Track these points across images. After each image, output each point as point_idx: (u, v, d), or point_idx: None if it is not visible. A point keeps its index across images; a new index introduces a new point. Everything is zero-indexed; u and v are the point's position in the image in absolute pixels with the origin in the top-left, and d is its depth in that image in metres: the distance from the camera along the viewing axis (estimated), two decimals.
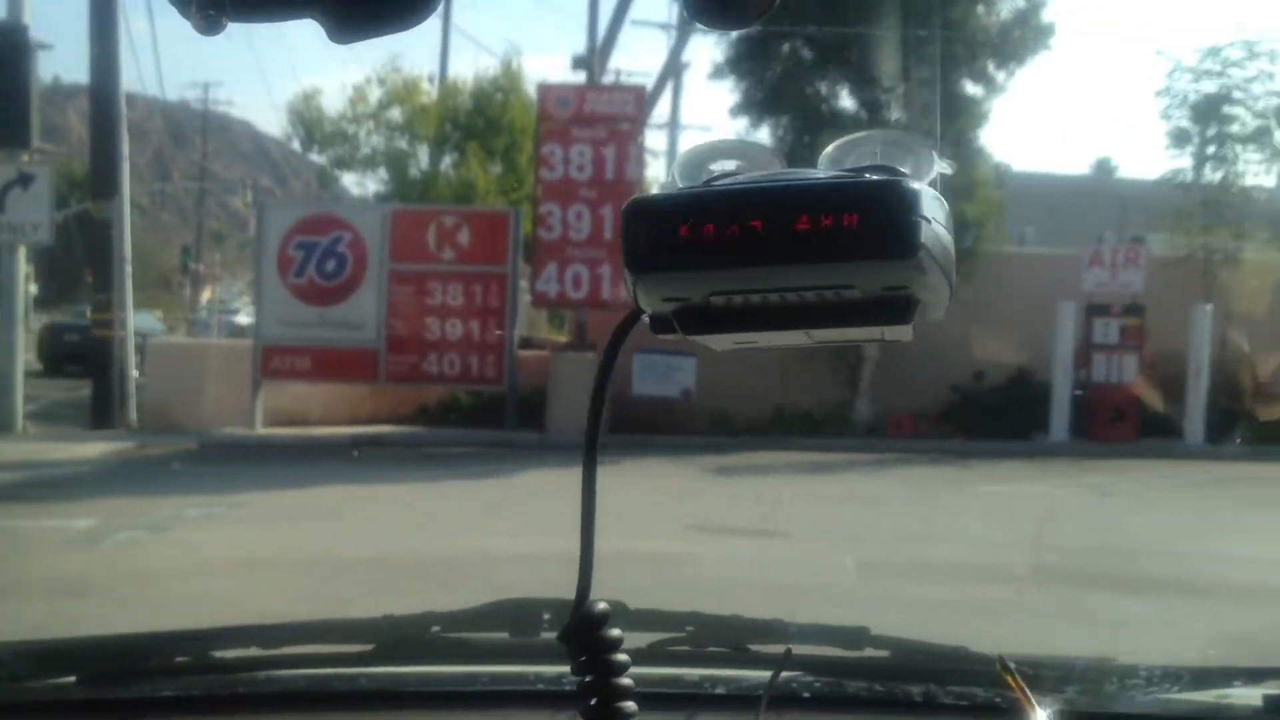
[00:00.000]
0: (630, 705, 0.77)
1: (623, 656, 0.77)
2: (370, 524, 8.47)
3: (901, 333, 0.67)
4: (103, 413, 14.16)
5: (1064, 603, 6.06)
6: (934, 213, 0.62)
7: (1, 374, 13.77)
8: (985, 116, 15.15)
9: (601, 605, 0.76)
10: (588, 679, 0.76)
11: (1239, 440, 13.37)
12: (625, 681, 0.77)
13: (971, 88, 14.94)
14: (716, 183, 0.66)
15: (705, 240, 0.61)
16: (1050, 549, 7.58)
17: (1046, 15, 14.88)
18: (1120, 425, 13.77)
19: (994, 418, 13.83)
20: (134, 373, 14.55)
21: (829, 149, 0.69)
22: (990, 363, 14.64)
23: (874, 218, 0.60)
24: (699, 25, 0.56)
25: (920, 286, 0.63)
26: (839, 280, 0.62)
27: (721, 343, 0.69)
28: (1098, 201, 30.45)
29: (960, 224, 14.54)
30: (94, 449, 12.54)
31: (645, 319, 0.68)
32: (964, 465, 12.40)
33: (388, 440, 13.36)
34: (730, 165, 0.69)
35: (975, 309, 14.68)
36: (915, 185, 0.61)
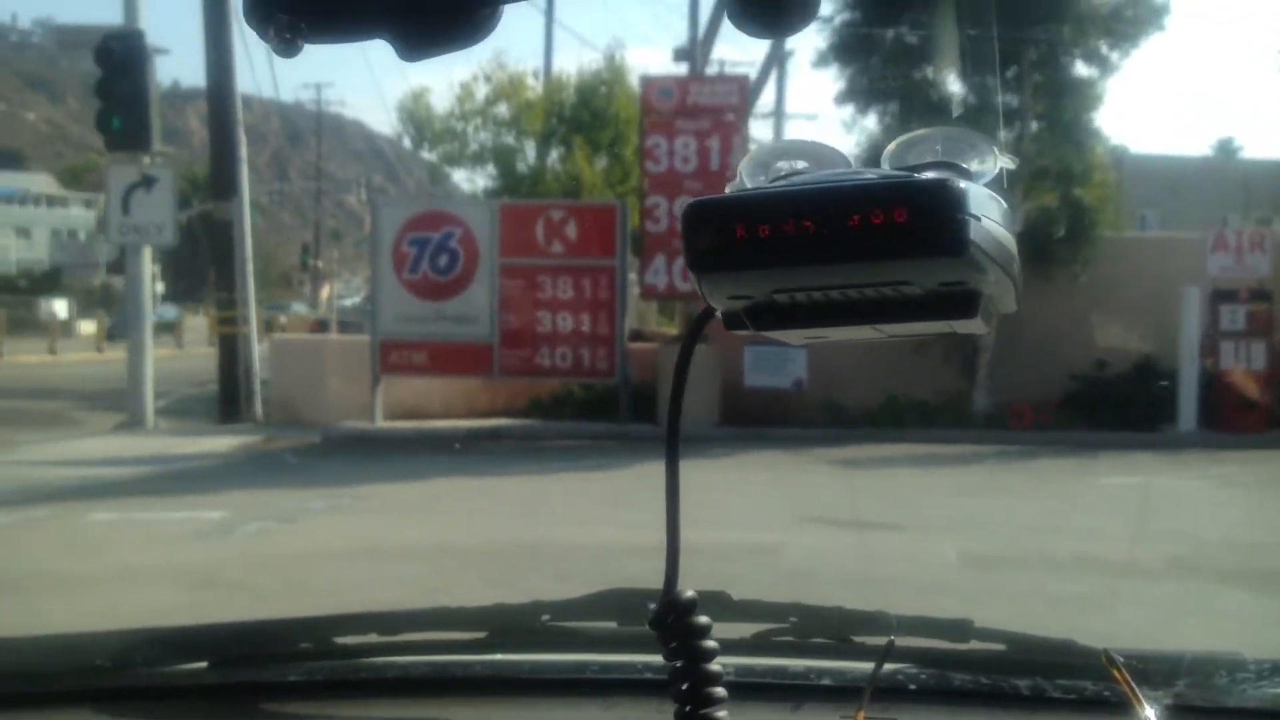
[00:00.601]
0: (720, 690, 0.79)
1: (711, 643, 0.79)
2: (486, 515, 8.62)
3: (973, 326, 0.67)
4: (230, 408, 14.63)
5: (1194, 597, 5.91)
6: (985, 210, 0.63)
7: (132, 371, 14.29)
8: (1099, 98, 14.74)
9: (689, 593, 0.78)
10: (678, 664, 0.79)
11: None
12: (714, 667, 0.79)
13: (1084, 69, 14.57)
14: (775, 183, 0.68)
15: (761, 240, 0.63)
16: (1179, 541, 7.37)
17: None
18: (1250, 414, 13.32)
19: (1118, 407, 13.46)
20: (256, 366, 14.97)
21: (891, 146, 0.70)
22: (1113, 350, 14.27)
23: (923, 216, 0.61)
24: (743, 33, 0.58)
25: (979, 282, 0.64)
26: (895, 277, 0.64)
27: (793, 337, 0.71)
28: (1221, 183, 29.50)
29: (1075, 208, 14.24)
30: (222, 443, 12.95)
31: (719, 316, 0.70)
32: (1087, 456, 12.10)
33: (503, 433, 13.54)
34: (798, 164, 0.71)
35: (1095, 295, 14.36)
36: (963, 183, 0.62)
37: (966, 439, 12.87)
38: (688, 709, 0.79)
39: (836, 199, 0.63)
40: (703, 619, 0.79)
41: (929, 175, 0.64)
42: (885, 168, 0.69)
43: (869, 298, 0.66)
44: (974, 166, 0.69)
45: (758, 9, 0.56)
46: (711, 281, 0.66)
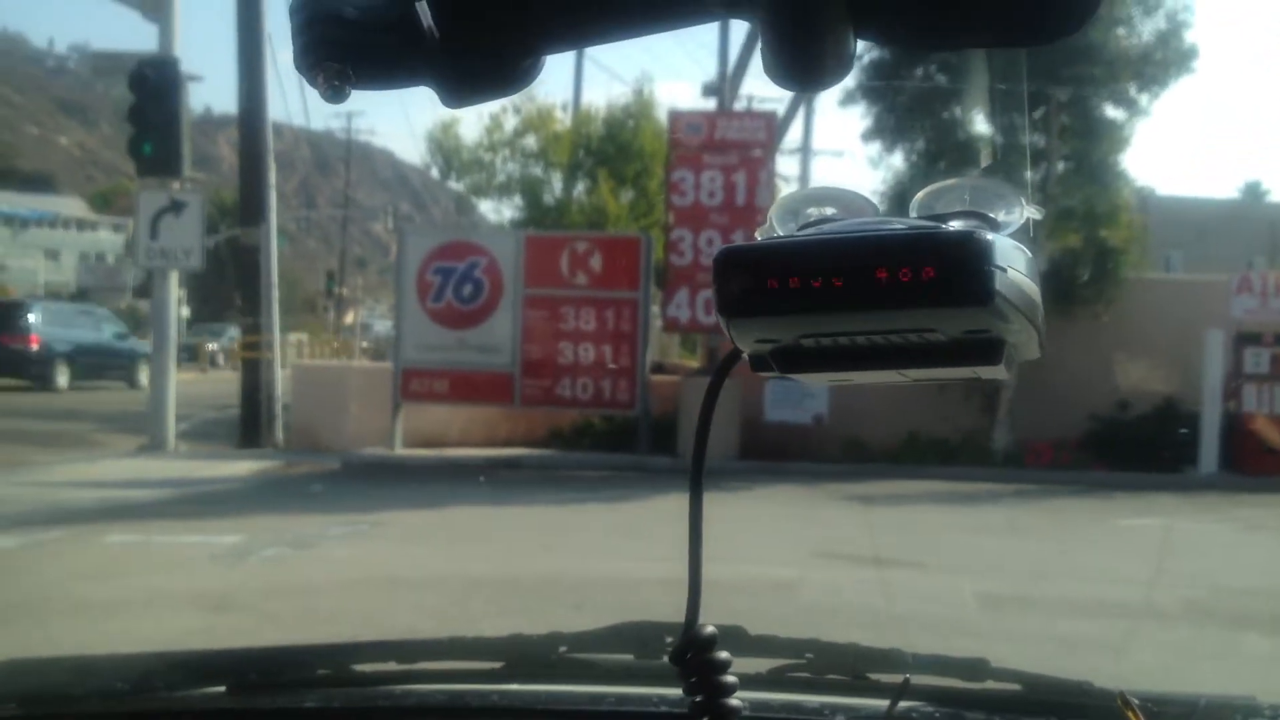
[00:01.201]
0: None
1: (731, 678, 0.80)
2: (503, 545, 8.62)
3: (996, 372, 0.69)
4: (251, 432, 14.68)
5: (1210, 642, 5.86)
6: (1011, 261, 0.64)
7: (155, 394, 14.38)
8: (1127, 140, 14.75)
9: (709, 629, 0.79)
10: (698, 699, 0.80)
11: None
12: (734, 702, 0.80)
13: (1112, 111, 14.58)
14: (804, 230, 0.70)
15: (791, 289, 0.65)
16: (1196, 584, 7.31)
17: (1190, 37, 14.46)
18: (1272, 458, 13.21)
19: (1139, 449, 13.38)
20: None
21: (919, 195, 0.72)
22: (1135, 391, 14.20)
23: (949, 268, 0.62)
24: (777, 85, 0.59)
25: (1003, 330, 0.65)
26: (920, 325, 0.65)
27: (818, 380, 0.72)
28: (1247, 226, 29.40)
29: (1100, 249, 14.22)
30: (242, 467, 13.00)
31: (746, 357, 0.72)
32: (1106, 497, 12.03)
33: (522, 463, 13.56)
34: (828, 211, 0.73)
35: (1119, 337, 14.31)
36: (989, 235, 0.64)
37: (986, 477, 12.82)
38: None
39: (865, 249, 0.65)
40: (723, 654, 0.80)
41: (956, 226, 0.66)
42: (913, 216, 0.70)
43: (894, 344, 0.67)
44: (1000, 216, 0.70)
45: (791, 64, 0.57)
46: (740, 326, 0.68)
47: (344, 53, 0.58)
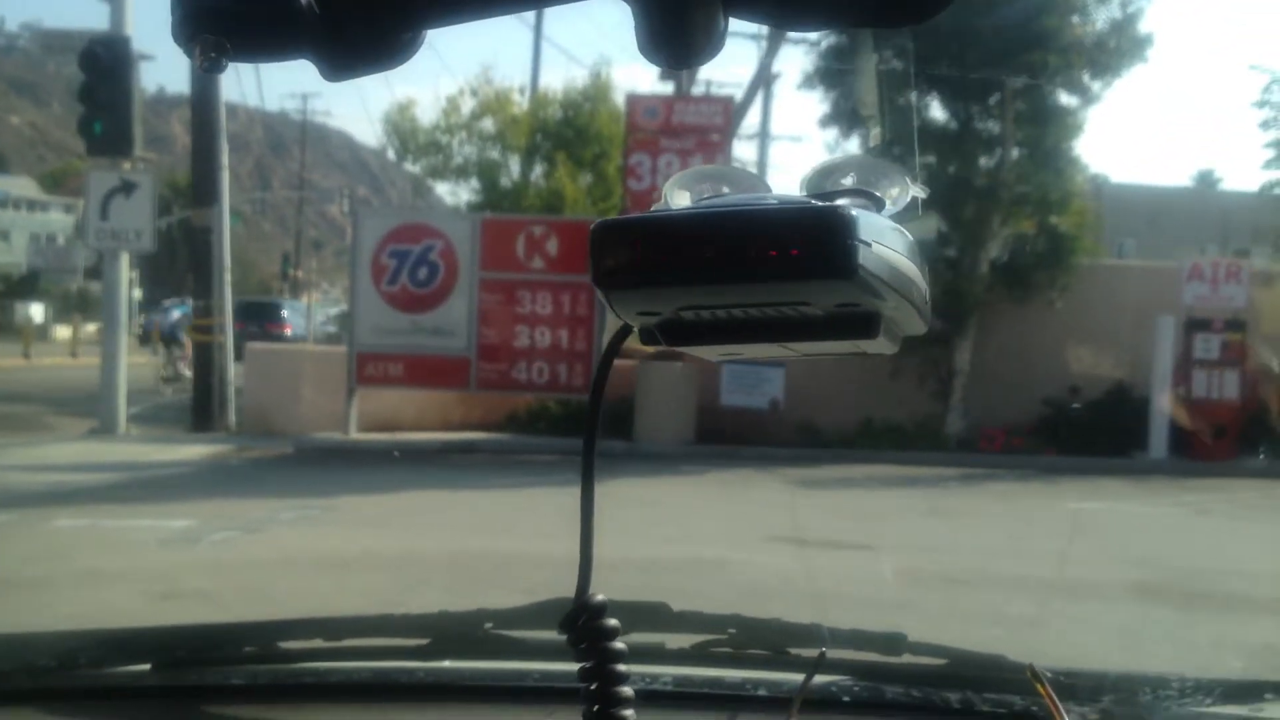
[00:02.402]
0: (626, 690, 0.81)
1: (619, 644, 0.81)
2: (454, 528, 8.61)
3: (879, 345, 0.70)
4: (203, 416, 14.56)
5: (1158, 623, 5.95)
6: (880, 236, 0.66)
7: (105, 377, 14.22)
8: (1080, 127, 14.87)
9: (599, 596, 0.80)
10: (587, 665, 0.81)
11: None
12: (620, 668, 0.81)
13: (1066, 98, 14.70)
14: (689, 207, 0.71)
15: (663, 261, 0.66)
16: (1142, 566, 7.42)
17: (1144, 26, 14.59)
18: (1221, 443, 13.42)
19: (1090, 433, 13.55)
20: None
21: (808, 172, 0.73)
22: (1086, 377, 14.37)
23: (811, 242, 0.64)
24: (651, 64, 0.60)
25: (875, 304, 0.67)
26: (792, 298, 0.66)
27: (708, 353, 0.74)
28: (1200, 214, 29.78)
29: (1053, 236, 14.35)
30: (194, 451, 12.89)
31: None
32: (1056, 481, 12.18)
33: (477, 446, 13.53)
34: (725, 189, 0.74)
35: (1071, 322, 14.48)
36: (854, 211, 0.65)
37: (939, 462, 12.93)
38: (595, 708, 0.81)
39: (733, 222, 0.66)
40: (612, 622, 0.81)
41: (820, 204, 0.67)
42: (801, 193, 0.71)
43: (772, 317, 0.68)
44: (888, 194, 0.71)
45: (662, 41, 0.58)
46: (619, 299, 0.69)
47: (221, 24, 0.58)
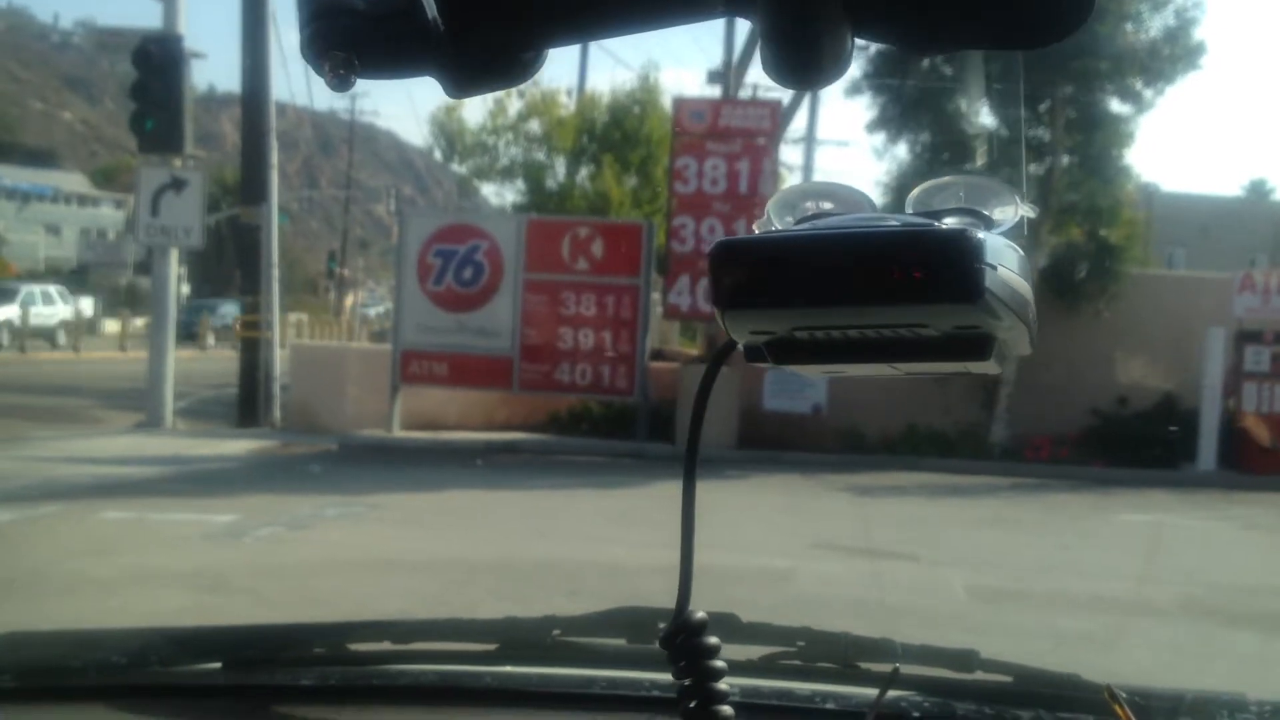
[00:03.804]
0: (726, 709, 0.81)
1: (720, 663, 0.81)
2: (500, 529, 8.64)
3: (986, 367, 0.70)
4: (248, 411, 14.70)
5: (1203, 639, 5.88)
6: (1002, 259, 0.65)
7: (153, 371, 14.39)
8: (1132, 135, 14.71)
9: (700, 614, 0.80)
10: (686, 683, 0.80)
11: None
12: (722, 687, 0.81)
13: (1117, 106, 14.55)
14: (801, 225, 0.71)
15: (784, 281, 0.66)
16: (1191, 581, 7.33)
17: (1198, 34, 14.40)
18: (1270, 456, 13.22)
19: (1137, 445, 13.38)
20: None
21: (915, 191, 0.73)
22: (1135, 387, 14.22)
23: (940, 265, 0.64)
24: (777, 84, 0.60)
25: (993, 327, 0.67)
26: (911, 320, 0.66)
27: (812, 371, 0.73)
28: (1251, 224, 29.39)
29: (1102, 245, 14.21)
30: (239, 446, 13.02)
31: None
32: (1104, 492, 12.04)
33: (520, 447, 13.57)
34: (825, 205, 0.74)
35: (1119, 332, 14.32)
36: (981, 233, 0.64)
37: (983, 471, 12.84)
38: None
39: (858, 244, 0.66)
40: (712, 639, 0.81)
41: (948, 224, 0.66)
42: (908, 212, 0.71)
43: (886, 338, 0.68)
44: (995, 214, 0.71)
45: (789, 62, 0.58)
46: (735, 318, 0.69)
47: (350, 42, 0.59)
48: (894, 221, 0.68)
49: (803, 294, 0.66)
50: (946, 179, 0.73)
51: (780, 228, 0.72)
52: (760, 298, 0.67)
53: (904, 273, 0.64)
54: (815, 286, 0.66)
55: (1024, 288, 0.68)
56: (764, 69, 0.59)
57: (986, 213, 0.71)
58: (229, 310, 33.64)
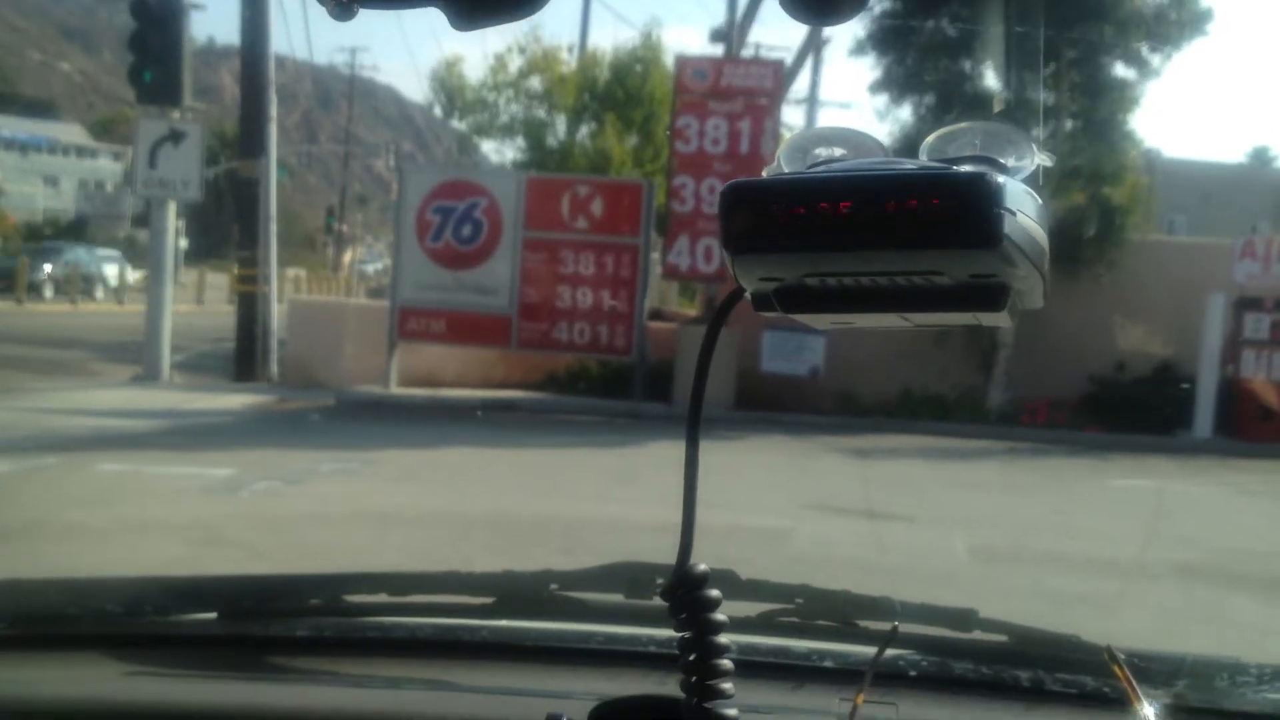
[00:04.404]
0: (726, 663, 0.80)
1: (721, 616, 0.80)
2: (496, 486, 8.65)
3: (998, 318, 0.68)
4: (245, 366, 14.69)
5: (1199, 603, 5.90)
6: (1021, 205, 0.64)
7: (151, 324, 14.36)
8: (1136, 100, 14.65)
9: (701, 567, 0.79)
10: (686, 635, 0.80)
11: None
12: (722, 640, 0.80)
13: (1122, 70, 14.47)
14: (814, 168, 0.69)
15: (797, 223, 0.64)
16: (1188, 546, 7.36)
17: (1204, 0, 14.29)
18: (1269, 424, 13.24)
19: (1134, 411, 13.40)
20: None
21: (930, 138, 0.71)
22: (1133, 353, 14.21)
23: (958, 208, 0.62)
24: (793, 18, 0.58)
25: (1009, 276, 0.65)
26: (927, 266, 0.64)
27: (820, 321, 0.72)
28: (1253, 191, 29.31)
29: (1104, 209, 14.16)
30: (236, 401, 13.01)
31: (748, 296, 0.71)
32: (1101, 458, 12.06)
33: (517, 405, 13.58)
34: (836, 151, 0.72)
35: (1118, 297, 14.30)
36: (1001, 178, 0.63)
37: (980, 434, 12.86)
38: (694, 679, 0.80)
39: (874, 186, 0.64)
40: (714, 592, 0.80)
41: (967, 168, 0.64)
42: (923, 159, 0.69)
43: (899, 286, 0.66)
44: (1011, 162, 0.69)
45: None
46: (744, 263, 0.67)
47: None
48: (910, 165, 0.66)
49: (815, 238, 0.64)
50: (962, 125, 0.71)
51: (791, 172, 0.70)
52: (771, 241, 0.65)
53: (921, 216, 0.62)
54: (828, 230, 0.64)
55: (1042, 236, 0.67)
56: (780, 3, 0.57)
57: (1002, 160, 0.69)
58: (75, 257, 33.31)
